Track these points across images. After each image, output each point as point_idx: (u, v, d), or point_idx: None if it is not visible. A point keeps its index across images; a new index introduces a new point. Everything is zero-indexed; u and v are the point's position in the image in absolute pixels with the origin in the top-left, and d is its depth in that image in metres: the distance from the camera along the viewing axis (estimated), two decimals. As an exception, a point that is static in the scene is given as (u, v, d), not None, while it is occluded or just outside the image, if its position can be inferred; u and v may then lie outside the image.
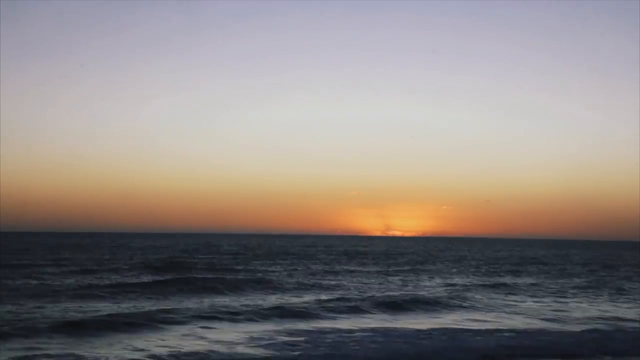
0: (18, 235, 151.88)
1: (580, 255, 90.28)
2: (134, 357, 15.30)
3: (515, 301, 28.94)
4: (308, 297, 28.01)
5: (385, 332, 19.45)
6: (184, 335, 18.32)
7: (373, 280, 38.79)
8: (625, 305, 28.64)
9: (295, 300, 27.05)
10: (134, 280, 34.10)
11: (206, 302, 25.97)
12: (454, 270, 50.69)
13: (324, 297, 28.22)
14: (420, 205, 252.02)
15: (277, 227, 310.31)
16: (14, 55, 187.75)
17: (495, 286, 35.60)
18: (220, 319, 21.14)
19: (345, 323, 21.23)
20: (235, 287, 31.29)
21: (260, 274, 40.01)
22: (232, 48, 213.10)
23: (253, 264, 52.27)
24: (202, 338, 17.85)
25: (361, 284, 35.93)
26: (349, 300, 26.82)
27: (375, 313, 23.99)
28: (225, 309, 23.06)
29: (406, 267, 52.70)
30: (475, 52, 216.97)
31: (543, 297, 31.13)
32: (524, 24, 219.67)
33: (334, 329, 19.89)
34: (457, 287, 34.80)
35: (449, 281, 39.43)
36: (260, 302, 25.86)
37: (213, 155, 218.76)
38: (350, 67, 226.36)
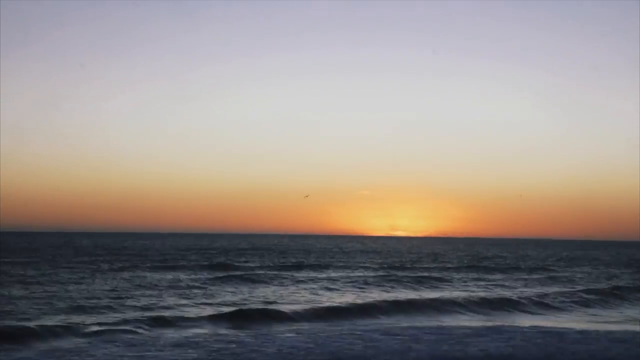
0: (18, 235, 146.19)
1: None
2: None
3: None
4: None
5: None
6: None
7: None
8: None
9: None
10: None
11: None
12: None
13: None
14: (422, 205, 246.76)
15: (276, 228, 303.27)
16: (14, 55, 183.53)
17: None
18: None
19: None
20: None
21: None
22: (230, 35, 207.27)
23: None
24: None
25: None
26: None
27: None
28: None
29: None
30: (478, 46, 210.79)
31: None
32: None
33: None
34: None
35: None
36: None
37: (220, 155, 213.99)
38: (354, 63, 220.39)
